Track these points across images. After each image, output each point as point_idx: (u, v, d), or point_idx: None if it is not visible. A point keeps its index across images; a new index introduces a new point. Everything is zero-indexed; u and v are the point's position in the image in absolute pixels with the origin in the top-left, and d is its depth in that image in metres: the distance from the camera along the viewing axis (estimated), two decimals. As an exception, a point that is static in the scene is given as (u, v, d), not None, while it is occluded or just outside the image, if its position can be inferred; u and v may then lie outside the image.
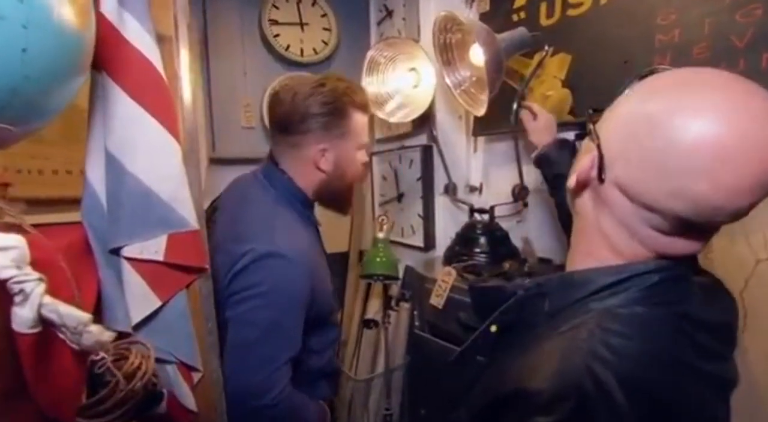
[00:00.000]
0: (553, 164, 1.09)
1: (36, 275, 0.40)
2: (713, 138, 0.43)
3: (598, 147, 0.52)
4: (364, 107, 1.03)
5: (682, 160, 0.44)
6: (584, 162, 0.54)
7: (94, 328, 0.43)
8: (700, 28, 0.99)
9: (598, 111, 0.57)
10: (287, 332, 0.90)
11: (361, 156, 1.07)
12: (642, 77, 1.06)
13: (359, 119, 1.02)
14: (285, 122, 0.98)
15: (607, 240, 0.55)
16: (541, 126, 1.18)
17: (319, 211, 2.17)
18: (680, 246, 0.51)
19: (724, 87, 0.46)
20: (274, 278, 0.86)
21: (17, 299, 0.40)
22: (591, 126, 0.55)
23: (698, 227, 0.49)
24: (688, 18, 1.01)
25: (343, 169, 1.03)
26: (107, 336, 0.45)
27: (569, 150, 1.11)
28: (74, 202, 0.90)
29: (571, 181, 0.56)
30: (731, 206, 0.45)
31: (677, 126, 0.45)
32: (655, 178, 0.47)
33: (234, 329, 0.86)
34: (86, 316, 0.43)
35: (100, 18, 0.61)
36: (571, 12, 1.27)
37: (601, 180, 0.52)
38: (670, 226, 0.49)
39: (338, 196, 1.07)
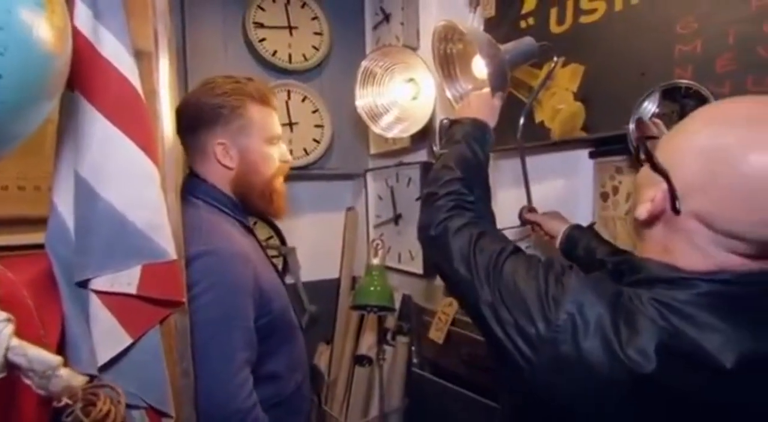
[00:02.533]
0: (579, 241, 1.15)
1: (4, 315, 0.42)
2: None
3: (668, 179, 0.59)
4: (261, 99, 1.11)
5: (760, 191, 0.53)
6: (654, 195, 0.62)
7: (64, 372, 0.45)
8: (724, 39, 1.03)
9: (650, 137, 0.66)
10: (239, 324, 0.96)
11: (275, 150, 1.14)
12: (665, 90, 1.11)
13: (258, 112, 1.10)
14: (185, 125, 1.06)
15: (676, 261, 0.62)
16: (550, 217, 1.26)
17: (305, 233, 2.20)
18: (755, 266, 0.59)
19: None
20: (211, 274, 0.92)
21: (-20, 342, 0.42)
22: (655, 159, 0.62)
23: None
24: (710, 27, 1.05)
25: (252, 165, 1.10)
26: (78, 380, 0.47)
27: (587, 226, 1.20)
28: (27, 223, 0.92)
29: (642, 213, 0.63)
30: None
31: (760, 158, 0.53)
32: (743, 209, 0.55)
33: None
34: (56, 360, 0.45)
35: (74, 32, 0.64)
36: (583, 19, 1.33)
37: (677, 211, 0.59)
38: (755, 251, 0.57)
39: (259, 195, 1.13)
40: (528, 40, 1.25)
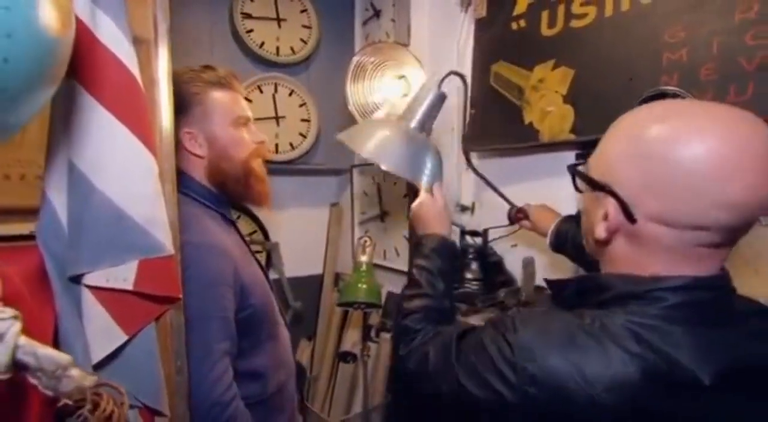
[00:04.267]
0: (567, 236, 1.16)
1: (11, 312, 0.39)
2: (724, 148, 0.54)
3: (612, 193, 0.60)
4: (221, 84, 1.09)
5: (708, 175, 0.54)
6: (604, 212, 0.62)
7: (75, 372, 0.43)
8: (708, 48, 1.07)
9: (579, 163, 0.68)
10: (217, 314, 0.95)
11: (244, 132, 1.12)
12: (650, 98, 1.12)
13: (219, 95, 1.09)
14: None
15: (643, 268, 0.62)
16: (539, 216, 1.27)
17: (289, 229, 2.18)
18: (724, 254, 0.61)
19: (706, 109, 0.59)
20: (187, 266, 0.89)
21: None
22: (593, 178, 0.64)
23: (740, 231, 0.58)
24: (696, 37, 1.09)
25: (222, 150, 1.09)
26: (90, 381, 0.45)
27: (576, 218, 1.20)
28: (8, 213, 0.88)
29: (601, 233, 0.63)
30: (757, 199, 0.54)
31: (693, 147, 0.55)
32: (693, 198, 0.55)
33: None
34: (67, 359, 0.43)
35: (72, 17, 0.61)
36: (574, 23, 1.35)
37: (633, 220, 0.59)
38: (719, 237, 0.57)
39: (235, 181, 1.11)
40: (432, 97, 1.17)
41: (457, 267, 1.01)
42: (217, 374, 0.92)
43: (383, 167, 1.07)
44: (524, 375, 0.59)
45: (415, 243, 1.03)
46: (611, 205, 0.61)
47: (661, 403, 0.57)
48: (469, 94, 1.52)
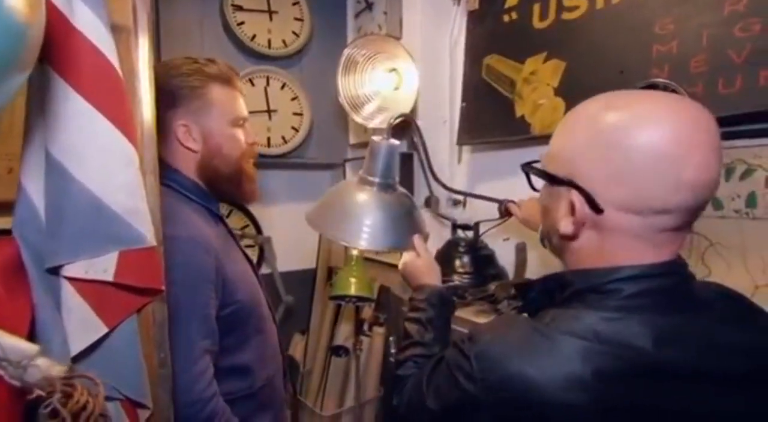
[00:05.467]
0: None
1: (-27, 302, 0.38)
2: (677, 129, 0.56)
3: (576, 186, 0.60)
4: (222, 79, 1.08)
5: (667, 157, 0.55)
6: (568, 206, 0.62)
7: (42, 362, 0.42)
8: (698, 40, 1.06)
9: (533, 161, 0.70)
10: (197, 311, 0.93)
11: (240, 133, 1.11)
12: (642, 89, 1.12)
13: (220, 92, 1.07)
14: None
15: (605, 258, 0.62)
16: (529, 211, 1.26)
17: (281, 223, 2.16)
18: (681, 239, 0.62)
19: (650, 96, 0.61)
20: (167, 259, 0.87)
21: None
22: (551, 173, 0.64)
23: (697, 212, 0.60)
24: (686, 29, 1.08)
25: (216, 147, 1.07)
26: (57, 370, 0.44)
27: None
28: None
29: (568, 227, 0.62)
30: (709, 179, 0.56)
31: (649, 131, 0.56)
32: (656, 181, 0.56)
33: None
34: (33, 349, 0.42)
35: (47, 4, 0.60)
36: (566, 15, 1.34)
37: (600, 211, 0.59)
38: (681, 219, 0.58)
39: (227, 179, 1.10)
40: (386, 151, 1.08)
41: (450, 314, 1.01)
42: (197, 371, 0.91)
43: (364, 247, 1.07)
44: (484, 386, 0.59)
45: (409, 298, 1.03)
46: (576, 198, 0.60)
47: (628, 397, 0.56)
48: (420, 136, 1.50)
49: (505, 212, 1.31)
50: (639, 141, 0.56)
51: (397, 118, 1.17)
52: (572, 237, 0.64)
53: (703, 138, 0.55)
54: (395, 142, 1.08)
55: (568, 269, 0.68)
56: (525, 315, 0.71)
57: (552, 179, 0.64)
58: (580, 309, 0.60)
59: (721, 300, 0.64)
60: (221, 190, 1.11)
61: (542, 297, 0.69)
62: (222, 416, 0.95)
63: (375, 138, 1.09)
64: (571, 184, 0.60)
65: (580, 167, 0.60)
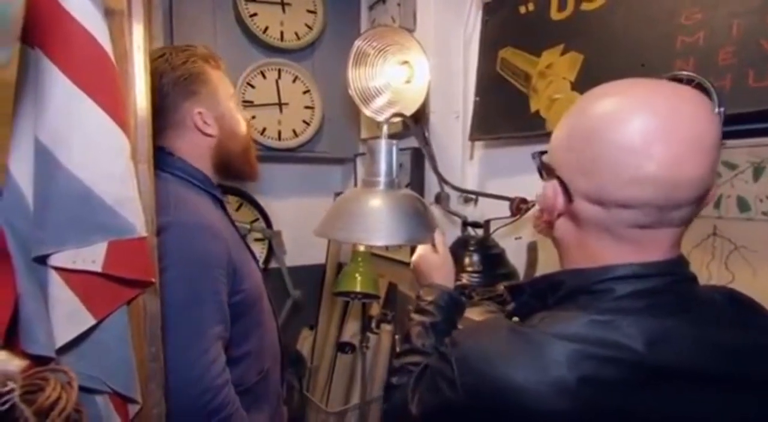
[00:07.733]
0: None
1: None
2: (644, 126, 0.54)
3: (555, 175, 0.62)
4: (215, 62, 1.11)
5: (626, 151, 0.54)
6: (547, 192, 0.64)
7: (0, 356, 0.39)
8: (727, 31, 1.00)
9: (544, 152, 0.69)
10: (209, 298, 0.92)
11: (236, 109, 1.15)
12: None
13: (215, 74, 1.10)
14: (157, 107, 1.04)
15: (592, 257, 0.62)
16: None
17: (291, 217, 2.14)
18: (665, 238, 0.59)
19: (649, 87, 0.58)
20: (179, 247, 0.89)
21: None
22: (544, 162, 0.65)
23: (667, 210, 0.56)
24: (714, 18, 1.02)
25: (229, 127, 1.10)
26: (15, 365, 0.42)
27: None
28: None
29: (537, 208, 0.65)
30: (681, 176, 0.54)
31: (616, 125, 0.55)
32: (613, 173, 0.55)
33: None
34: (-12, 343, 0.40)
35: (37, -16, 0.58)
36: (585, 6, 1.28)
37: (570, 200, 0.60)
38: (645, 217, 0.56)
39: (239, 156, 1.14)
40: (385, 150, 1.05)
41: (458, 318, 0.97)
42: (210, 358, 0.89)
43: (383, 243, 1.06)
44: (465, 391, 0.58)
45: (416, 295, 0.98)
46: (554, 185, 0.62)
47: (618, 402, 0.53)
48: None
49: (516, 210, 1.26)
50: (609, 132, 0.56)
51: (390, 116, 1.19)
52: (550, 225, 0.66)
53: (683, 134, 0.53)
54: (392, 141, 1.06)
55: (561, 268, 0.68)
56: (516, 319, 0.68)
57: (543, 168, 0.66)
58: (571, 310, 0.59)
59: (724, 302, 0.62)
60: (233, 168, 1.14)
61: (533, 299, 0.67)
62: (233, 405, 0.93)
63: (371, 140, 1.09)
64: (549, 169, 0.63)
65: (559, 158, 0.62)
